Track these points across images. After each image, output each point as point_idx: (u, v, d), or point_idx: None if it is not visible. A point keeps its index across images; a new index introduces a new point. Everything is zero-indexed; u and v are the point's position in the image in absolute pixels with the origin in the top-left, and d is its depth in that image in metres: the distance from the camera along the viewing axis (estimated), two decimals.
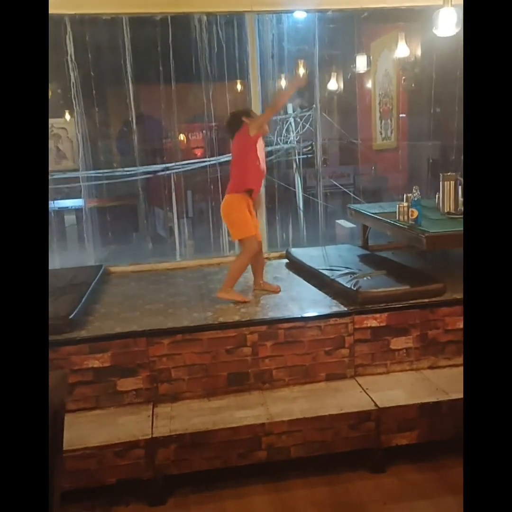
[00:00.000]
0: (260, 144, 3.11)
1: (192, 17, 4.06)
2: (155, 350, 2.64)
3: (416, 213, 3.11)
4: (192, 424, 2.43)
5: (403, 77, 5.77)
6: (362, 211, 3.87)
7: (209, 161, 5.44)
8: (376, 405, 2.50)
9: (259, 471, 2.48)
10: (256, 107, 3.92)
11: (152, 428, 2.40)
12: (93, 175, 4.81)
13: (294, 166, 7.14)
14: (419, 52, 5.49)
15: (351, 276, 3.10)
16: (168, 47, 4.02)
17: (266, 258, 4.07)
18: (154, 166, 5.83)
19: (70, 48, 3.86)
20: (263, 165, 3.13)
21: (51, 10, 3.70)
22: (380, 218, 3.53)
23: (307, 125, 7.05)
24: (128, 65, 4.14)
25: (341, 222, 5.85)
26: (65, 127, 7.40)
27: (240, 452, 2.41)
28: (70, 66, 3.94)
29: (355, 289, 2.88)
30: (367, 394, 2.60)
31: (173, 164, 5.56)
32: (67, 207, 5.81)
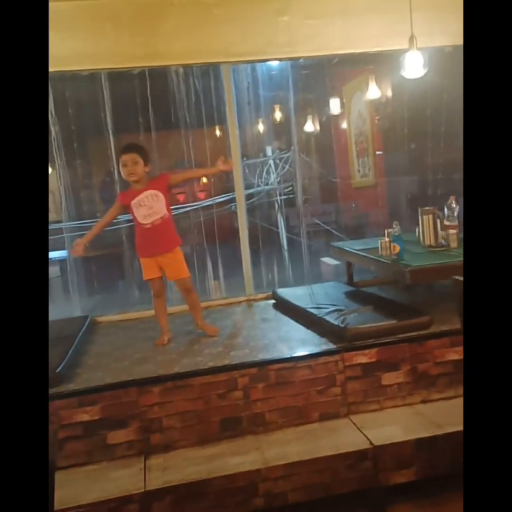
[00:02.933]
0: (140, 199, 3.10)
1: (169, 70, 4.19)
2: (146, 399, 2.60)
3: (398, 248, 3.16)
4: (186, 474, 2.38)
5: (377, 117, 5.96)
6: (345, 248, 3.93)
7: (191, 206, 5.51)
8: (371, 443, 2.47)
9: None
10: (235, 151, 4.00)
11: (145, 481, 2.34)
12: (76, 225, 4.82)
13: (276, 206, 7.24)
14: (390, 93, 5.70)
15: (338, 313, 3.11)
16: (147, 98, 4.13)
17: (252, 299, 4.09)
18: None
19: (51, 104, 3.94)
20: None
21: None
22: (363, 254, 3.58)
23: (287, 166, 7.20)
24: (108, 117, 4.23)
25: (326, 259, 5.91)
26: None
27: (237, 500, 2.35)
28: (50, 121, 4.01)
29: (343, 326, 2.89)
30: (362, 432, 2.57)
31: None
32: (51, 259, 5.79)
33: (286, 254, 6.69)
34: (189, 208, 5.51)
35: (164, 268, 3.19)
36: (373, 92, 5.43)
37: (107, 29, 3.58)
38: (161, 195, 3.09)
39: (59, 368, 2.66)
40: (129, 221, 5.81)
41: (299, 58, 4.02)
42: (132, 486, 2.32)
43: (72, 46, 3.54)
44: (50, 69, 3.73)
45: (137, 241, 3.20)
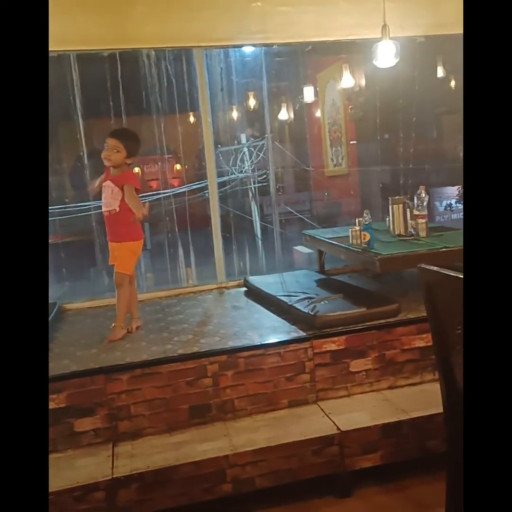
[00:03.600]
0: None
1: (140, 53, 4.11)
2: (114, 387, 2.58)
3: (368, 237, 3.19)
4: (153, 461, 2.37)
5: (350, 106, 5.98)
6: (317, 237, 3.95)
7: (164, 193, 5.45)
8: (338, 429, 2.50)
9: (226, 504, 2.43)
10: (207, 138, 3.96)
11: (112, 469, 2.33)
12: (53, 210, 4.73)
13: (250, 195, 7.23)
14: (363, 82, 5.72)
15: (308, 301, 3.13)
16: (118, 82, 4.05)
17: (224, 287, 4.08)
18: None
19: None
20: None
21: None
22: (334, 242, 3.60)
23: (261, 154, 7.17)
24: (78, 101, 4.14)
25: (299, 248, 5.93)
26: None
27: (205, 487, 2.36)
28: None
29: (313, 314, 2.91)
30: (330, 418, 2.60)
31: None
32: None
33: (259, 242, 6.69)
34: (162, 195, 5.44)
35: (114, 254, 3.17)
36: (347, 81, 5.44)
37: (74, 10, 3.48)
38: (117, 190, 3.04)
39: None
40: (100, 207, 5.75)
41: (272, 44, 3.99)
42: (99, 473, 2.31)
43: None
44: None
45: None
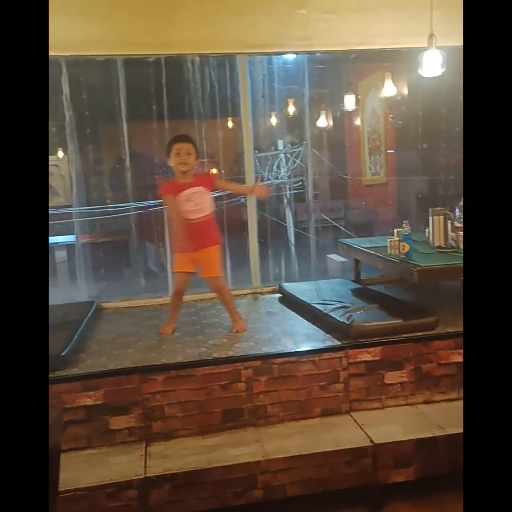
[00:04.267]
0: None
1: (185, 59, 4.17)
2: (149, 387, 2.61)
3: (407, 247, 3.15)
4: (186, 463, 2.39)
5: (391, 115, 5.93)
6: (354, 246, 3.92)
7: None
8: (372, 441, 2.47)
9: (256, 510, 2.43)
10: (247, 143, 3.99)
11: (145, 468, 2.36)
12: (86, 211, 4.84)
13: (285, 201, 7.23)
14: (405, 91, 5.66)
15: (344, 310, 3.11)
16: (161, 87, 4.12)
17: (258, 292, 4.09)
18: (147, 202, 5.88)
19: (66, 88, 3.94)
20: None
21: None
22: (372, 252, 3.57)
23: (297, 161, 7.17)
24: (122, 104, 4.23)
25: (332, 256, 5.90)
26: (57, 164, 7.48)
27: (236, 491, 2.36)
28: (65, 105, 4.01)
29: (348, 323, 2.89)
30: (363, 430, 2.57)
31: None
32: (57, 243, 5.82)
33: (292, 248, 6.69)
34: None
35: (199, 264, 3.11)
36: (389, 89, 5.39)
37: (122, 15, 3.56)
38: (208, 193, 3.06)
39: (65, 352, 2.67)
40: (137, 208, 5.84)
41: (315, 52, 3.99)
42: (132, 472, 2.34)
43: (87, 30, 3.52)
44: (66, 53, 3.76)
45: (176, 234, 3.07)
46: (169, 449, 2.52)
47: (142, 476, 2.30)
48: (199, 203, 3.03)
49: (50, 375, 2.56)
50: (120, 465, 2.41)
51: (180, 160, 2.99)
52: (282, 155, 7.13)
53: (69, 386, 2.55)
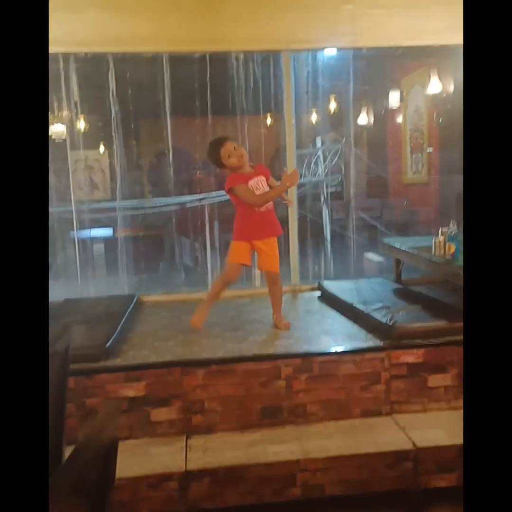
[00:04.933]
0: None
1: (229, 55, 4.18)
2: (189, 380, 2.63)
3: (453, 248, 3.08)
4: (226, 458, 2.40)
5: (435, 113, 5.81)
6: (396, 245, 3.86)
7: None
8: (414, 444, 2.43)
9: (294, 508, 2.43)
10: (290, 140, 3.98)
11: (185, 461, 2.38)
12: (128, 205, 4.92)
13: (322, 199, 7.18)
14: (451, 88, 5.53)
15: (386, 310, 3.07)
16: (206, 83, 4.13)
17: (297, 290, 4.07)
18: (186, 196, 5.93)
19: (112, 84, 4.00)
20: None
21: (95, 49, 3.86)
22: (415, 252, 3.51)
23: (336, 159, 7.11)
24: (167, 100, 4.26)
25: (369, 255, 5.83)
26: (98, 159, 7.63)
27: (275, 488, 2.36)
28: (111, 101, 4.08)
29: (390, 323, 2.85)
30: (404, 433, 2.54)
31: (203, 195, 5.66)
32: (95, 237, 5.92)
33: (328, 246, 6.64)
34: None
35: (259, 254, 3.10)
36: (434, 86, 5.28)
37: (169, 12, 3.59)
38: (268, 181, 3.07)
39: (109, 343, 2.72)
40: (176, 203, 5.90)
41: (361, 48, 3.94)
42: (173, 464, 2.36)
43: (133, 27, 3.57)
44: (113, 50, 3.82)
45: (242, 224, 3.08)
46: (208, 442, 2.54)
47: (183, 469, 2.32)
48: (265, 191, 3.03)
49: (94, 365, 2.62)
50: (161, 456, 2.44)
51: (236, 156, 2.98)
52: (320, 153, 7.08)
53: (112, 377, 2.59)
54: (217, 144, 3.02)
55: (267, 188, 3.03)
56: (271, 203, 3.07)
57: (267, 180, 3.07)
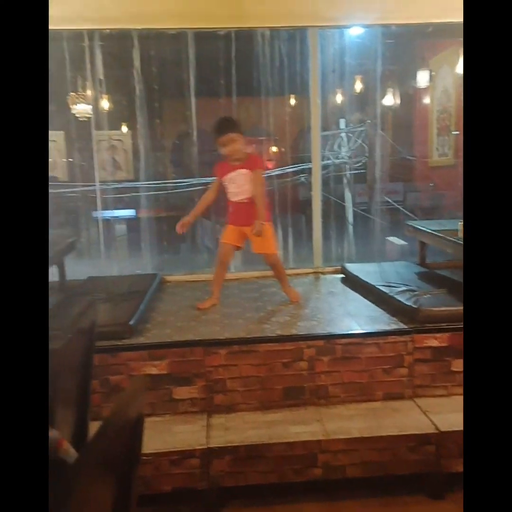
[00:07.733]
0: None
1: (255, 32, 4.11)
2: (212, 360, 2.64)
3: None
4: (247, 436, 2.41)
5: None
6: (422, 228, 3.80)
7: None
8: (437, 428, 2.41)
9: (314, 488, 2.44)
10: (315, 121, 3.91)
11: (207, 438, 2.40)
12: (151, 186, 4.92)
13: (344, 181, 7.10)
14: None
15: (410, 293, 3.03)
16: (230, 61, 4.08)
17: (320, 272, 4.05)
18: (208, 178, 5.90)
19: (137, 62, 3.98)
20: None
21: (119, 25, 3.82)
22: (441, 235, 3.45)
23: (359, 141, 7.00)
24: (191, 79, 4.22)
25: (392, 238, 5.76)
26: (121, 138, 7.62)
27: (296, 468, 2.37)
28: (135, 79, 4.05)
29: (415, 306, 2.81)
30: (427, 417, 2.52)
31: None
32: (117, 217, 5.95)
33: (351, 229, 6.58)
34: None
35: (249, 237, 3.18)
36: None
37: None
38: (256, 172, 3.10)
39: (132, 321, 2.74)
40: (199, 184, 5.89)
41: (391, 25, 3.84)
42: (195, 441, 2.38)
43: (158, 3, 3.53)
44: (138, 26, 3.78)
45: (228, 210, 3.25)
46: (230, 421, 2.55)
47: (205, 446, 2.34)
48: (240, 185, 3.11)
49: (117, 343, 2.65)
50: (183, 434, 2.46)
51: (227, 151, 3.07)
52: (343, 134, 6.98)
53: (136, 355, 2.61)
54: (219, 129, 3.09)
55: (245, 183, 3.09)
56: (245, 198, 3.11)
57: (255, 171, 3.07)
